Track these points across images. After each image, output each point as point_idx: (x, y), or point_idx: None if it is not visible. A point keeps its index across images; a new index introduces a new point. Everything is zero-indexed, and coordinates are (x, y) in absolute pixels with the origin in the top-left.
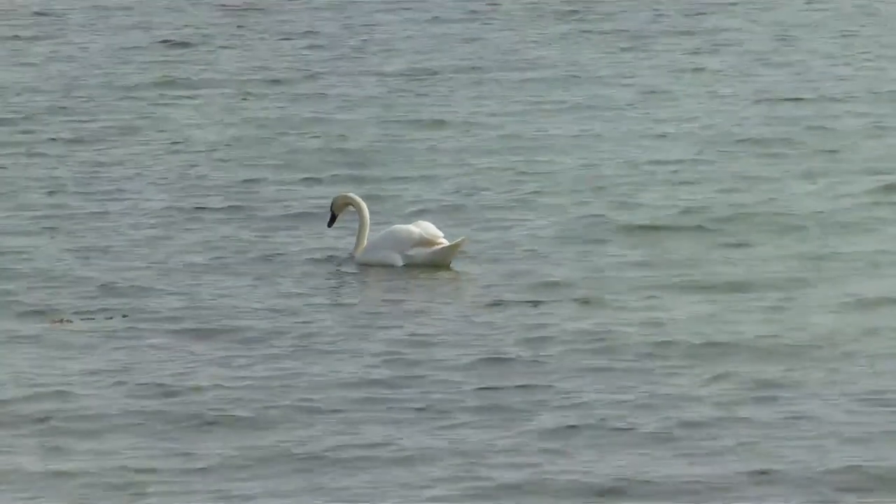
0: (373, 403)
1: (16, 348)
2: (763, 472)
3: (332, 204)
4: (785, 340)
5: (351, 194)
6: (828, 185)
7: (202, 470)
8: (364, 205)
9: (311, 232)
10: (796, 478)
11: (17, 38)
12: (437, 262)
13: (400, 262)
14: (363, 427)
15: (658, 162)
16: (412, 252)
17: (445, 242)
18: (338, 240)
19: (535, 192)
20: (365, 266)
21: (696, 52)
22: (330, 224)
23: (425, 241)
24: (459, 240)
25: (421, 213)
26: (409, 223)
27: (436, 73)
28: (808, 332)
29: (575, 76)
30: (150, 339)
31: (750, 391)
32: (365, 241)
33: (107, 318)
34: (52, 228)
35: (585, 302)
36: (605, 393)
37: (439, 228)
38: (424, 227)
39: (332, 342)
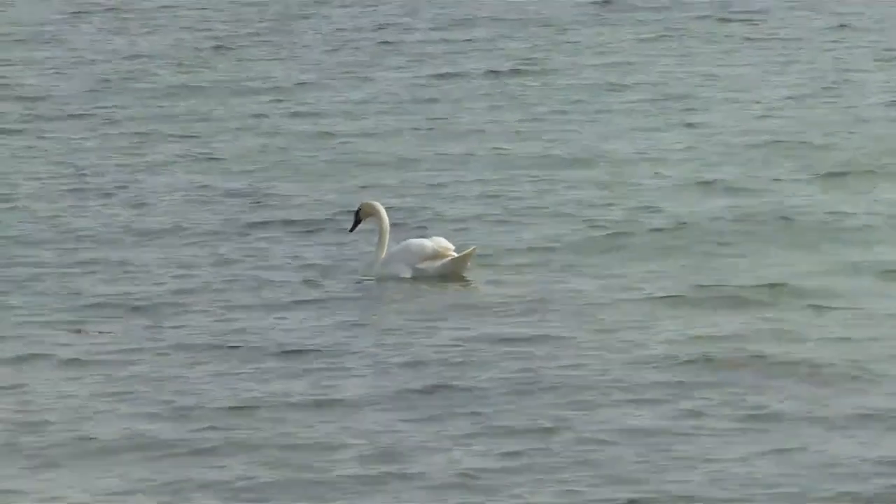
0: (404, 423)
1: (38, 364)
2: (780, 493)
3: (358, 210)
4: (808, 357)
5: (377, 204)
6: (858, 193)
7: (231, 490)
8: (386, 216)
9: (336, 243)
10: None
11: (45, 39)
12: (448, 274)
13: (409, 275)
14: (395, 446)
15: (682, 168)
16: (423, 265)
17: (455, 255)
18: (363, 252)
19: (559, 200)
20: (382, 278)
21: (726, 54)
22: (352, 229)
23: (436, 255)
24: (468, 251)
25: (442, 222)
26: (426, 237)
27: (461, 77)
28: (833, 348)
29: (600, 82)
30: (173, 355)
31: (766, 407)
32: (384, 252)
33: (126, 333)
34: (75, 240)
35: (608, 313)
36: (632, 406)
37: (461, 237)
38: (437, 242)
39: (360, 359)
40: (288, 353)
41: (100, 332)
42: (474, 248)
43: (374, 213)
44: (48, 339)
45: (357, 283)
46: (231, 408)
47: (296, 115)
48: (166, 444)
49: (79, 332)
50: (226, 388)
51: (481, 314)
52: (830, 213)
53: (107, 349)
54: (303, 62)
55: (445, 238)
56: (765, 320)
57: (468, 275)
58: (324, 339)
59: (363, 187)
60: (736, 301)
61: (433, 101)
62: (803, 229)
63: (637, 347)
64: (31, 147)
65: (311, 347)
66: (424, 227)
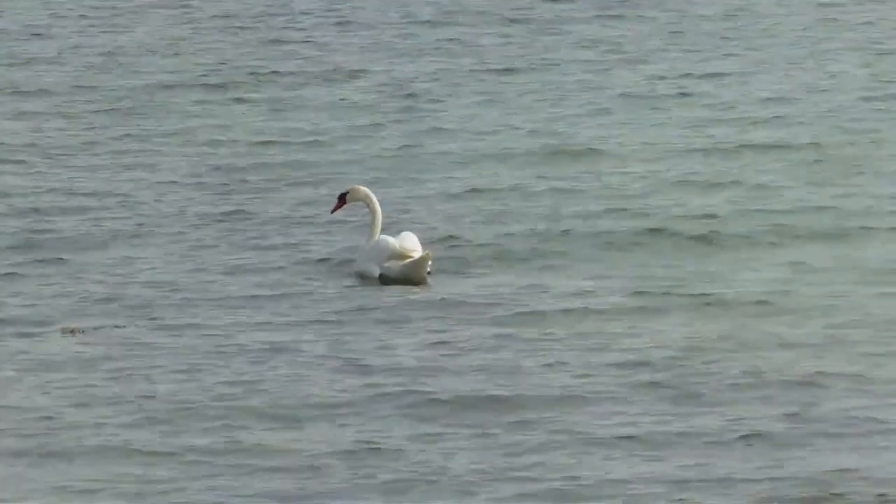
0: (377, 424)
1: (30, 362)
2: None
3: (344, 193)
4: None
5: (367, 189)
6: (859, 192)
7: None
8: (376, 201)
9: (320, 240)
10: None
11: (32, 34)
12: (409, 276)
13: (376, 274)
14: (368, 447)
15: (667, 166)
16: (388, 265)
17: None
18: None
19: (541, 198)
20: (359, 274)
21: (716, 49)
22: (333, 210)
23: (399, 255)
24: (422, 255)
25: (423, 218)
26: (398, 233)
27: (449, 73)
28: (811, 353)
29: (587, 77)
30: (162, 351)
31: (751, 416)
32: (377, 236)
33: (117, 328)
34: (53, 238)
35: (585, 314)
36: (605, 408)
37: (442, 233)
38: (402, 240)
39: (332, 360)
40: (266, 352)
41: (90, 327)
42: (428, 253)
43: (362, 198)
44: (34, 335)
45: (334, 279)
46: (198, 409)
47: (280, 110)
48: (136, 448)
49: (72, 331)
50: (196, 388)
51: (457, 313)
52: (817, 211)
53: (93, 345)
54: (288, 57)
55: (421, 233)
56: (750, 322)
57: (450, 272)
58: (300, 338)
59: (348, 182)
60: (718, 304)
61: (421, 95)
62: (789, 228)
63: (613, 350)
64: (17, 141)
65: (290, 346)
66: (406, 219)
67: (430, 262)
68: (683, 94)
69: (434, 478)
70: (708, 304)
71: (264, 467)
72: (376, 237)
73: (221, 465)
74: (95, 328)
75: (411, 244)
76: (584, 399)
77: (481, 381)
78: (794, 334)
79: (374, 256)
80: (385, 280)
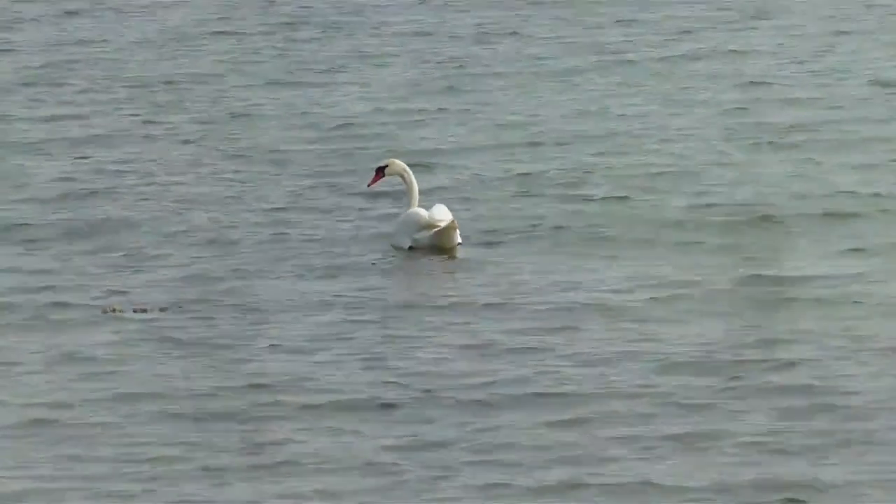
0: (434, 416)
1: (66, 348)
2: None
3: (384, 166)
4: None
5: (405, 165)
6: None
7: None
8: (413, 176)
9: (362, 224)
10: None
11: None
12: (438, 245)
13: (407, 245)
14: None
15: (716, 149)
16: (418, 236)
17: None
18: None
19: (584, 185)
20: (393, 246)
21: (735, 31)
22: (371, 184)
23: (429, 226)
24: (447, 224)
25: (462, 204)
26: (429, 206)
27: (485, 60)
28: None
29: (612, 59)
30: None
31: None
32: (415, 204)
33: (161, 310)
34: (108, 223)
35: (630, 305)
36: (641, 398)
37: (484, 218)
38: (433, 211)
39: (390, 351)
40: (303, 345)
41: (133, 311)
42: (453, 221)
43: (400, 172)
44: (63, 324)
45: (372, 266)
46: (232, 404)
47: (319, 94)
48: (172, 444)
49: (112, 310)
50: (231, 381)
51: (497, 303)
52: (864, 194)
53: (113, 336)
54: (328, 41)
55: (461, 221)
56: (800, 312)
57: (489, 260)
58: (338, 332)
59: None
60: (763, 294)
61: (460, 79)
62: (835, 212)
63: (655, 342)
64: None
65: (327, 340)
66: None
67: (458, 231)
68: (722, 75)
69: (478, 476)
70: (753, 293)
71: (304, 466)
72: (415, 203)
73: (258, 463)
74: (135, 311)
75: (441, 214)
76: (624, 396)
77: (523, 376)
78: (838, 326)
79: (405, 229)
80: (417, 251)
